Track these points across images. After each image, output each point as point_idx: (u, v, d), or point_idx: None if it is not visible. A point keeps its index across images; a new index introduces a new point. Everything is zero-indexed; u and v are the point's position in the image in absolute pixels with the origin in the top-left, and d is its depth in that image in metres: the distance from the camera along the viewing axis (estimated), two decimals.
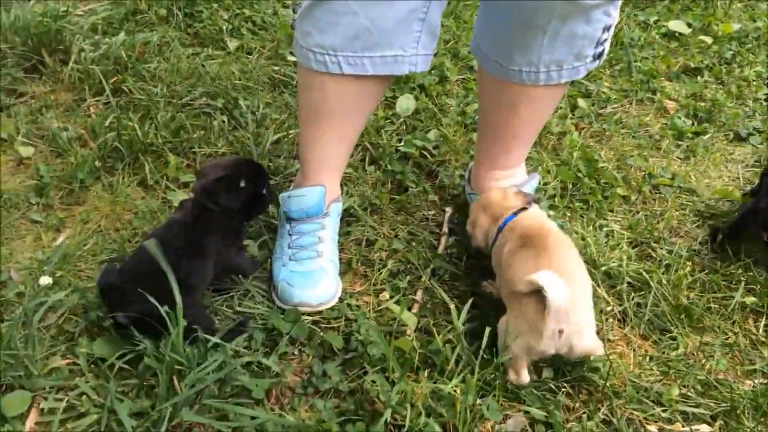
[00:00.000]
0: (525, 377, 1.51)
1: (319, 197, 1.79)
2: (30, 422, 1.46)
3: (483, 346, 1.53)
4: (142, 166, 2.14)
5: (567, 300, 1.39)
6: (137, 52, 2.56)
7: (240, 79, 2.53)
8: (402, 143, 2.27)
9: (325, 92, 1.68)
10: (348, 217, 2.00)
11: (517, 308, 1.49)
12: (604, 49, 1.70)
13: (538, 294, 1.40)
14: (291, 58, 2.68)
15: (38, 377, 1.50)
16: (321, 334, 1.66)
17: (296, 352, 1.64)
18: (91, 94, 2.42)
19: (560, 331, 1.42)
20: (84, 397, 1.46)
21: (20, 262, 1.83)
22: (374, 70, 1.60)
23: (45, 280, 1.66)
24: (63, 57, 2.58)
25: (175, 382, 1.44)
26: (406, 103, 2.43)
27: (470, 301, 1.68)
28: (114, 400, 1.42)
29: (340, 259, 1.86)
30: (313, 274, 1.74)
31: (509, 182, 1.90)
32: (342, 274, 1.84)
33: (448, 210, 2.06)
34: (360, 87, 1.66)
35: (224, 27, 2.84)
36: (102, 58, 2.48)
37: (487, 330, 1.55)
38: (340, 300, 1.76)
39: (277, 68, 2.65)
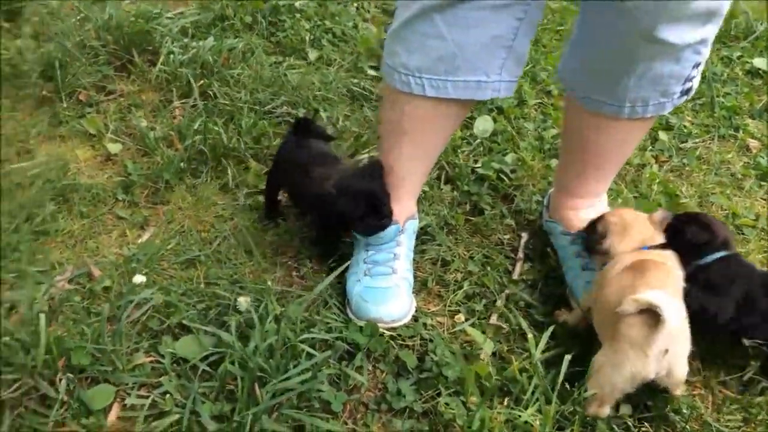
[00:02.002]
0: (606, 410, 1.49)
1: (393, 232, 1.80)
2: (112, 416, 1.49)
3: (561, 377, 1.52)
4: (224, 170, 2.18)
5: (679, 320, 1.39)
6: (223, 57, 2.61)
7: (320, 90, 2.57)
8: (478, 164, 2.27)
9: (407, 112, 1.69)
10: (423, 236, 2.00)
11: (618, 333, 1.46)
12: (692, 86, 1.67)
13: (645, 314, 1.40)
14: (371, 72, 2.71)
15: (122, 372, 1.54)
16: (396, 351, 1.66)
17: (370, 367, 1.64)
18: (177, 95, 2.48)
19: (665, 351, 1.40)
20: (167, 396, 1.49)
21: (106, 257, 1.89)
22: (456, 94, 1.61)
23: (139, 278, 1.70)
24: (151, 58, 2.65)
25: (257, 388, 1.46)
26: (483, 124, 2.42)
27: (550, 330, 1.66)
28: (197, 402, 1.44)
29: (414, 277, 1.86)
30: (387, 290, 1.75)
31: (589, 212, 1.88)
32: (416, 292, 1.84)
33: (524, 235, 2.05)
34: (441, 109, 1.67)
35: (306, 37, 2.88)
36: (190, 62, 2.54)
37: (566, 360, 1.53)
38: (414, 318, 1.77)
39: (356, 81, 2.68)
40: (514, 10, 1.47)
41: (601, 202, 1.96)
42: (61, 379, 1.48)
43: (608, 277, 1.59)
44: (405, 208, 1.83)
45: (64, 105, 2.40)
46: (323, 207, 1.71)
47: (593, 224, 1.71)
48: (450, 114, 1.70)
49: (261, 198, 2.07)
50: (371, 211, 1.67)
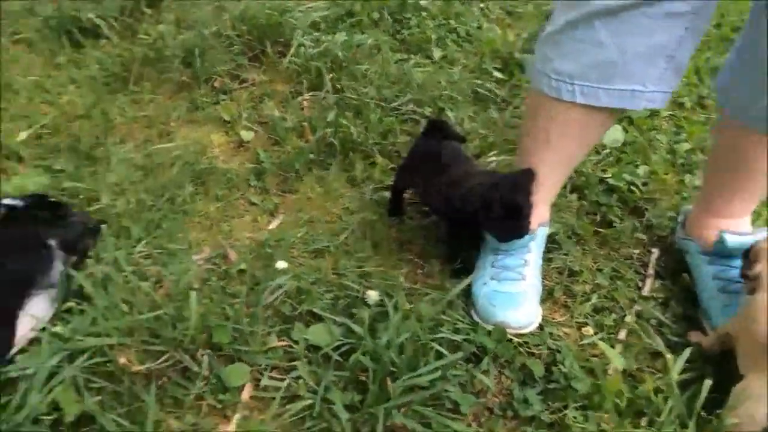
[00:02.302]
0: None
1: (527, 240, 1.78)
2: (246, 394, 1.55)
3: (701, 403, 1.45)
4: (351, 164, 2.22)
5: None
6: (352, 53, 2.65)
7: (445, 90, 2.56)
8: (608, 175, 2.20)
9: (554, 118, 1.66)
10: (550, 243, 1.96)
11: None
12: None
13: None
14: (496, 74, 2.68)
15: (257, 354, 1.59)
16: (523, 358, 1.64)
17: (496, 373, 1.63)
18: (307, 87, 2.53)
19: None
20: (300, 380, 1.53)
21: (239, 240, 1.96)
22: (608, 102, 1.56)
23: (281, 264, 1.76)
24: (282, 49, 2.73)
25: (388, 382, 1.47)
26: (614, 134, 2.35)
27: (687, 351, 1.59)
28: (331, 389, 1.47)
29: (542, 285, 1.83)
30: (516, 296, 1.73)
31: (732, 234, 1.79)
32: (542, 301, 1.81)
33: (655, 251, 1.97)
34: (589, 117, 1.63)
35: (431, 36, 2.89)
36: (320, 55, 2.59)
37: (706, 384, 1.47)
38: (540, 327, 1.74)
39: (480, 82, 2.65)
40: (684, 19, 1.42)
41: (746, 223, 1.86)
42: (203, 355, 1.54)
43: (759, 307, 1.51)
44: (539, 214, 1.80)
45: (201, 91, 2.50)
46: (459, 208, 1.71)
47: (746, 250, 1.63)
48: (597, 123, 1.66)
49: (386, 194, 2.09)
50: (514, 219, 1.65)
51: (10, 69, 2.45)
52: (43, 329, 1.52)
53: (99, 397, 1.42)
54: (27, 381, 1.39)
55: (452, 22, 3.03)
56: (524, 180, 1.65)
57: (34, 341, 1.52)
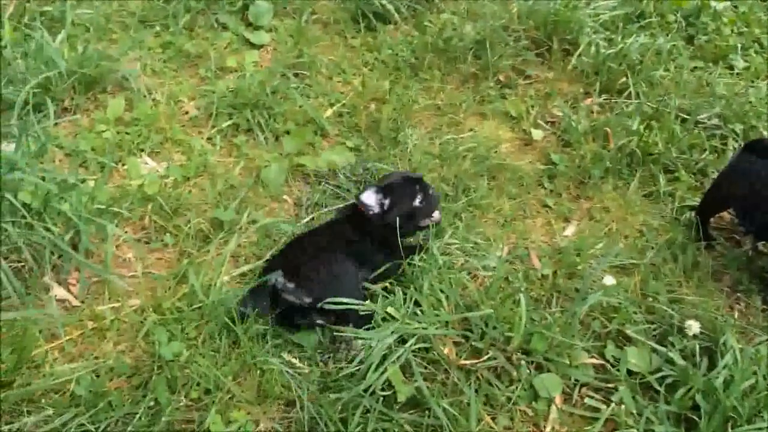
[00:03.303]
0: None
1: None
2: (557, 403, 1.50)
3: None
4: (653, 177, 2.08)
5: None
6: (648, 57, 2.49)
7: (754, 105, 2.33)
8: None
9: None
10: None
11: None
12: None
13: None
14: None
15: (569, 367, 1.54)
16: None
17: None
18: (598, 90, 2.42)
19: None
20: (623, 406, 1.45)
21: (534, 242, 1.91)
22: None
23: (609, 280, 1.69)
24: (568, 47, 2.63)
25: (728, 430, 1.35)
26: None
27: None
28: (664, 424, 1.38)
29: None
30: None
31: None
32: None
33: None
34: None
35: (735, 44, 2.64)
36: (614, 57, 2.46)
37: None
38: None
39: None
40: None
41: None
42: (520, 360, 1.51)
43: None
44: None
45: (489, 83, 2.48)
46: None
47: None
48: None
49: (691, 214, 1.93)
50: None
51: (311, 48, 2.59)
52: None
53: (426, 383, 1.44)
54: (367, 354, 1.45)
55: (756, 30, 2.74)
56: None
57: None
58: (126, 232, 1.81)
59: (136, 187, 1.91)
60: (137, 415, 1.37)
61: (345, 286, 1.56)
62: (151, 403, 1.40)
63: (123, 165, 2.03)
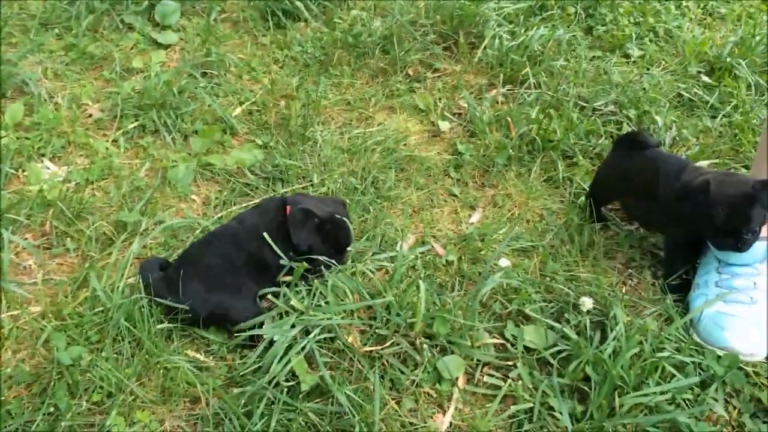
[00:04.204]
0: None
1: (755, 256, 1.66)
2: (459, 384, 1.55)
3: None
4: (552, 163, 2.17)
5: None
6: (548, 48, 2.59)
7: (646, 92, 2.45)
8: None
9: None
10: None
11: None
12: None
13: None
14: (705, 79, 2.53)
15: (471, 348, 1.60)
16: (751, 388, 1.54)
17: (723, 401, 1.53)
18: (502, 81, 2.50)
19: None
20: (520, 382, 1.52)
21: (441, 231, 1.97)
22: None
23: (504, 262, 1.75)
24: (474, 41, 2.70)
25: (616, 398, 1.43)
26: None
27: None
28: (557, 397, 1.45)
29: None
30: (746, 320, 1.63)
31: None
32: None
33: None
34: None
35: (630, 33, 2.77)
36: (516, 49, 2.55)
37: None
38: None
39: (684, 86, 2.51)
40: None
41: None
42: (422, 344, 1.56)
43: None
44: None
45: (398, 78, 2.53)
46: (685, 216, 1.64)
47: None
48: None
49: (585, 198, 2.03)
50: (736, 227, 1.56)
51: (219, 47, 2.58)
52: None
53: (330, 372, 1.47)
54: (271, 347, 1.47)
55: (651, 19, 2.88)
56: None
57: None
58: (25, 238, 1.77)
59: (35, 193, 1.86)
60: (35, 423, 1.35)
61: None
62: (51, 409, 1.38)
63: (23, 171, 1.98)
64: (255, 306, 1.60)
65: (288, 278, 1.64)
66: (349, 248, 1.73)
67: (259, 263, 1.63)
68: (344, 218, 1.70)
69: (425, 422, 1.46)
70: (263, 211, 1.71)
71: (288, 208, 1.67)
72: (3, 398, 1.39)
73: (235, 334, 1.57)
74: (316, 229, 1.65)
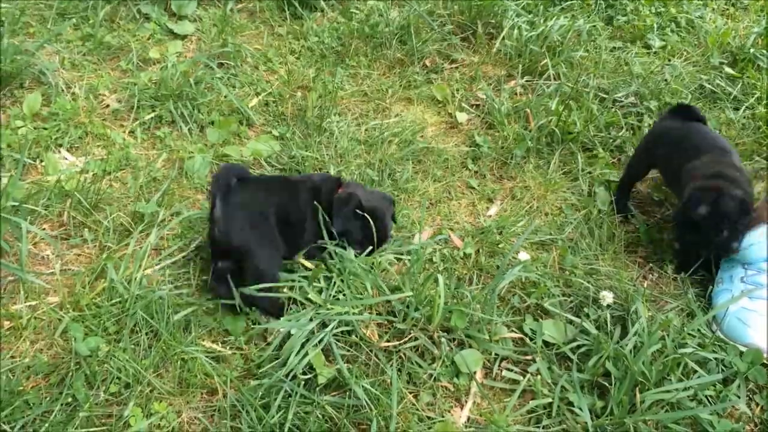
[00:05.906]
0: None
1: None
2: (477, 378, 1.54)
3: None
4: (572, 155, 2.14)
5: None
6: (568, 39, 2.55)
7: (668, 83, 2.41)
8: None
9: None
10: None
11: None
12: None
13: None
14: (728, 70, 2.49)
15: (489, 342, 1.58)
16: None
17: (746, 398, 1.51)
18: (521, 72, 2.47)
19: None
20: (539, 377, 1.50)
21: (459, 223, 1.95)
22: None
23: (524, 255, 1.73)
24: (492, 31, 2.67)
25: (637, 394, 1.41)
26: None
27: None
28: (577, 393, 1.43)
29: None
30: None
31: None
32: None
33: None
34: None
35: (651, 24, 2.72)
36: (536, 39, 2.51)
37: None
38: None
39: (706, 77, 2.47)
40: None
41: None
42: (440, 338, 1.54)
43: None
44: None
45: (415, 69, 2.50)
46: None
47: None
48: None
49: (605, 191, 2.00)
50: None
51: (236, 37, 2.57)
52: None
53: (347, 365, 1.46)
54: (288, 340, 1.46)
55: (673, 10, 2.83)
56: None
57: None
58: (43, 229, 1.77)
59: (53, 183, 1.86)
60: (53, 413, 1.36)
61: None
62: (69, 400, 1.38)
63: (41, 161, 1.98)
64: (279, 260, 1.61)
65: (305, 262, 1.64)
66: (383, 246, 1.71)
67: (296, 225, 1.65)
68: (386, 214, 1.70)
69: (443, 416, 1.45)
70: (326, 178, 1.75)
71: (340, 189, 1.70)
72: (21, 388, 1.39)
73: (252, 326, 1.56)
74: (356, 217, 1.65)
